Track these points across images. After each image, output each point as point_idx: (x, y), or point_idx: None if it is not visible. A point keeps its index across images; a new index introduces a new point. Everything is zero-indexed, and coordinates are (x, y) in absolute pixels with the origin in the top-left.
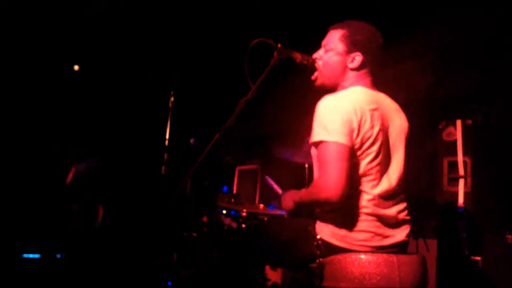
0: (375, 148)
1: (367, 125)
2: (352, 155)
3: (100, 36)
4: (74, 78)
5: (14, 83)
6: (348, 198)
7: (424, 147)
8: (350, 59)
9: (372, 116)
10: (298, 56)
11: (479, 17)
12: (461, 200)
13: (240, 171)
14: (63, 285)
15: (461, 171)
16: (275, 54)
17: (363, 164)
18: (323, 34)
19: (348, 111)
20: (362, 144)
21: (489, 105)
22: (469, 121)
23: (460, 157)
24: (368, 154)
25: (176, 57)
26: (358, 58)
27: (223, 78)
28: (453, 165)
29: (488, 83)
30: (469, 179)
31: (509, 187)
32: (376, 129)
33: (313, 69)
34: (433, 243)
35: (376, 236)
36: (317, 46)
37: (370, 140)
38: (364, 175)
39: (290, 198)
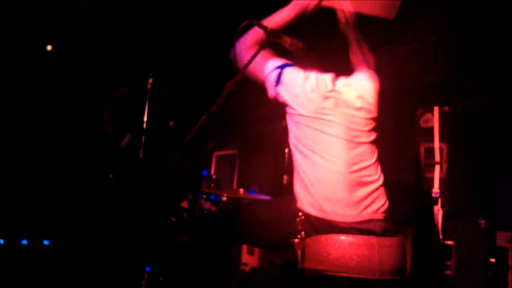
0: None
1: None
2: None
3: (75, 16)
4: (47, 58)
5: None
6: (318, 168)
7: (402, 134)
8: None
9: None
10: (287, 40)
11: (456, 4)
12: (436, 185)
13: (218, 157)
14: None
15: (437, 157)
16: (264, 37)
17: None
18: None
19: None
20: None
21: (466, 92)
22: (446, 108)
23: (436, 144)
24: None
25: (155, 38)
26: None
27: (203, 59)
28: (430, 151)
29: (465, 71)
30: (444, 165)
31: (482, 174)
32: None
33: (302, 53)
34: (408, 228)
35: (351, 205)
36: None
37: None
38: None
39: None
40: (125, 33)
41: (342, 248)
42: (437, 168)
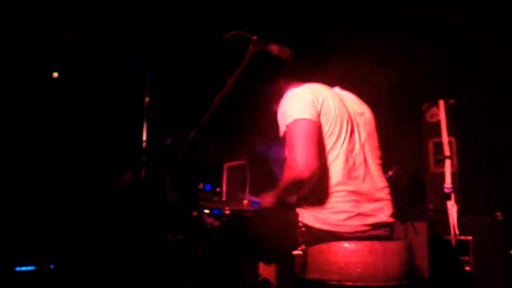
0: (337, 129)
1: (326, 106)
2: (318, 129)
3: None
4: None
5: None
6: (321, 180)
7: (408, 130)
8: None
9: (330, 101)
10: (275, 49)
11: None
12: (448, 180)
13: (229, 168)
14: None
15: (447, 152)
16: (250, 47)
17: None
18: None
19: (308, 95)
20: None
21: (471, 83)
22: (452, 101)
23: (444, 138)
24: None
25: (149, 53)
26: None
27: (199, 74)
28: (439, 146)
29: (469, 62)
30: (455, 159)
31: (495, 165)
32: (335, 112)
33: (291, 61)
34: (422, 226)
35: (356, 216)
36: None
37: (331, 121)
38: (332, 155)
39: (268, 196)
40: (119, 49)
41: (346, 256)
42: (448, 162)
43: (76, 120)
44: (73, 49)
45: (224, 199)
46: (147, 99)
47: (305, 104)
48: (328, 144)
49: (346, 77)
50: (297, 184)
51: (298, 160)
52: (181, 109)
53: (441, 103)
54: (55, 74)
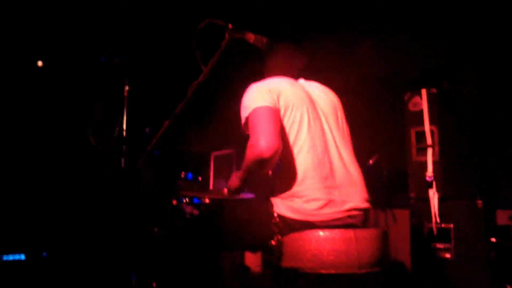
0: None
1: (284, 97)
2: (278, 114)
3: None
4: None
5: None
6: (292, 169)
7: (391, 119)
8: None
9: (288, 93)
10: (251, 37)
11: None
12: (430, 169)
13: (216, 157)
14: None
15: (429, 141)
16: (226, 35)
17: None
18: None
19: (264, 87)
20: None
21: (453, 72)
22: (434, 90)
23: (427, 127)
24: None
25: (127, 43)
26: None
27: (179, 62)
28: (421, 135)
29: (452, 50)
30: (437, 148)
31: (476, 154)
32: (294, 102)
33: (267, 50)
34: (405, 214)
35: (329, 203)
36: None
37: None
38: (298, 144)
39: (234, 176)
40: (100, 40)
41: (319, 244)
42: (430, 151)
43: (63, 113)
44: (69, 45)
45: (211, 188)
46: (126, 87)
47: (262, 94)
48: (292, 133)
49: (327, 67)
50: (259, 163)
51: (260, 140)
52: (161, 98)
53: (424, 92)
54: (40, 63)
